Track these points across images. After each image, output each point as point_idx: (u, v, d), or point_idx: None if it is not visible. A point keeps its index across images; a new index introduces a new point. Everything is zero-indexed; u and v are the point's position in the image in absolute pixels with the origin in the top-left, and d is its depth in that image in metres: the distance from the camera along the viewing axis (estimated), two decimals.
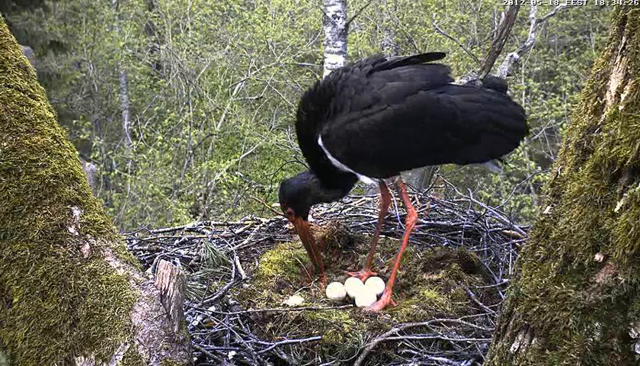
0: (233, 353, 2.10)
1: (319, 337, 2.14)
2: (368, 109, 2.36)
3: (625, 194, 1.22)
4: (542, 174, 8.69)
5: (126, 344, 1.63)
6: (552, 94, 10.59)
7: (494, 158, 2.60)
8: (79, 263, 1.71)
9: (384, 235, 3.09)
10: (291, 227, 3.09)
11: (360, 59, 2.71)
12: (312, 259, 2.73)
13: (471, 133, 2.43)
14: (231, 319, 2.28)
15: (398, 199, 3.27)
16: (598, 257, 1.25)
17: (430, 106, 2.37)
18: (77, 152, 1.91)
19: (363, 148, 2.39)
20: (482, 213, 3.23)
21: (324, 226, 2.99)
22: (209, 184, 10.54)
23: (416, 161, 2.57)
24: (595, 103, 1.33)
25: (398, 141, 2.38)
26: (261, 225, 3.21)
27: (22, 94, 1.79)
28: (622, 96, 1.25)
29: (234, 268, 2.75)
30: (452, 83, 2.50)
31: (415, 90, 2.37)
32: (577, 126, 1.38)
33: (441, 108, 2.37)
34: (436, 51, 2.83)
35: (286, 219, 2.73)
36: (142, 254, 2.93)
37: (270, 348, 2.12)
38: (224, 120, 11.79)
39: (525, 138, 2.67)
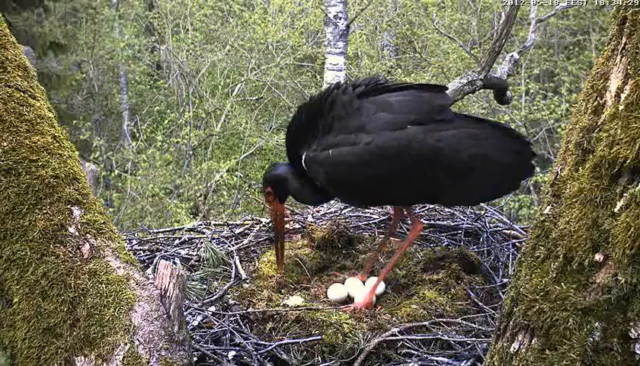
0: (233, 353, 2.10)
1: (319, 337, 2.14)
2: (354, 136, 2.31)
3: (625, 194, 1.22)
4: (542, 175, 8.69)
5: (126, 344, 1.63)
6: (552, 94, 10.59)
7: (489, 200, 2.48)
8: (79, 263, 1.71)
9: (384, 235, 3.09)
10: (290, 226, 3.09)
11: (357, 79, 2.66)
12: (276, 244, 2.68)
13: (458, 173, 2.33)
14: (231, 319, 2.28)
15: None
16: (598, 257, 1.25)
17: (415, 144, 2.27)
18: (77, 152, 1.91)
19: (343, 178, 2.34)
20: (482, 213, 3.23)
21: (324, 226, 2.99)
22: (209, 184, 10.53)
23: (396, 198, 2.49)
24: (595, 103, 1.33)
25: (379, 177, 2.32)
26: (261, 225, 3.21)
27: (22, 94, 1.79)
28: (622, 96, 1.25)
29: (234, 268, 2.75)
30: (449, 115, 2.38)
31: (403, 125, 2.29)
32: (577, 126, 1.38)
33: (426, 147, 2.27)
34: (438, 84, 2.73)
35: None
36: (142, 254, 2.93)
37: (270, 348, 2.12)
38: (224, 121, 11.79)
39: (530, 176, 2.54)
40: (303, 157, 2.42)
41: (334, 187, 2.44)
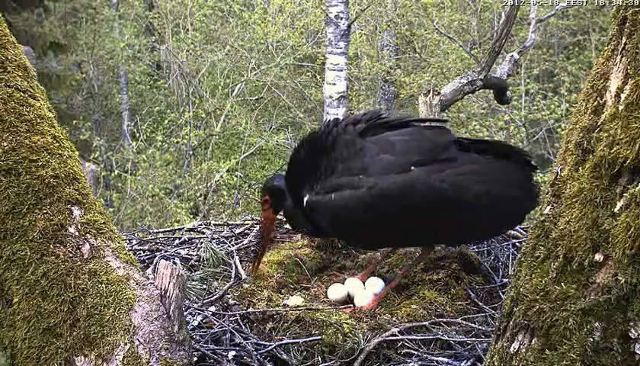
0: (233, 353, 2.10)
1: (319, 337, 2.14)
2: (357, 179, 2.28)
3: (625, 194, 1.22)
4: (541, 175, 8.69)
5: (126, 344, 1.63)
6: (552, 94, 10.59)
7: (495, 236, 2.40)
8: (79, 263, 1.71)
9: None
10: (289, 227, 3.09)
11: (358, 114, 2.63)
12: (257, 249, 2.66)
13: (463, 213, 2.31)
14: (231, 319, 2.28)
15: None
16: (598, 257, 1.25)
17: (419, 187, 2.24)
18: (77, 152, 1.91)
19: (346, 222, 2.32)
20: None
21: None
22: (209, 184, 10.54)
23: (401, 241, 2.47)
24: (595, 103, 1.33)
25: (383, 221, 2.30)
26: None
27: (22, 94, 1.79)
28: (622, 96, 1.25)
29: (234, 268, 2.75)
30: (452, 153, 2.35)
31: (407, 166, 2.26)
32: (577, 126, 1.38)
33: (430, 189, 2.24)
34: (440, 119, 2.69)
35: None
36: (142, 254, 2.93)
37: (270, 348, 2.12)
38: (224, 121, 11.79)
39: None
40: (305, 200, 2.40)
41: (338, 231, 2.44)
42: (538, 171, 2.49)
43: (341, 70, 6.80)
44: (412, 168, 2.26)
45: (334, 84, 6.85)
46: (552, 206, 1.40)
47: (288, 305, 2.40)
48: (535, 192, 2.39)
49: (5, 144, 1.72)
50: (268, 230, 2.66)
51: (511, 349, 1.41)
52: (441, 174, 2.26)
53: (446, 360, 2.09)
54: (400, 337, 2.16)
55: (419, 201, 2.25)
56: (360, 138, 2.36)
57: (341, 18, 6.63)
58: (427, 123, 2.62)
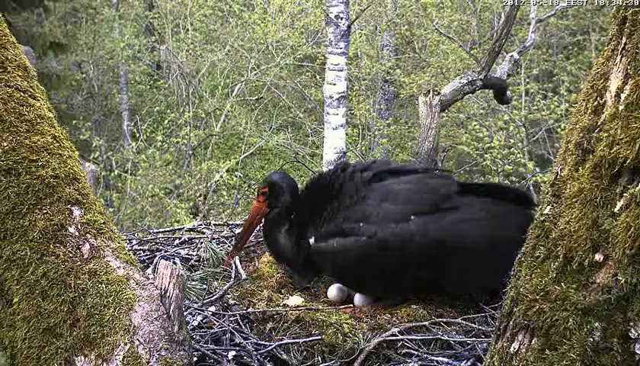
0: (233, 353, 2.10)
1: (319, 337, 2.14)
2: (358, 226, 2.33)
3: (625, 194, 1.22)
4: (541, 175, 8.69)
5: (126, 344, 1.63)
6: (551, 94, 10.59)
7: (497, 282, 2.39)
8: (79, 263, 1.71)
9: None
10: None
11: (367, 161, 2.67)
12: (239, 239, 2.67)
13: (464, 260, 2.34)
14: (231, 319, 2.28)
15: None
16: (598, 257, 1.25)
17: (418, 238, 2.29)
18: (77, 152, 1.91)
19: (346, 269, 2.37)
20: None
21: None
22: (208, 184, 10.53)
23: (401, 289, 2.46)
24: (595, 103, 1.33)
25: (382, 269, 2.34)
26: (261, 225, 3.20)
27: (22, 94, 1.79)
28: (622, 96, 1.25)
29: (234, 268, 2.75)
30: (454, 202, 2.38)
31: (407, 216, 2.31)
32: (577, 126, 1.38)
33: (429, 239, 2.29)
34: (445, 169, 2.75)
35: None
36: (142, 254, 2.93)
37: (270, 348, 2.12)
38: (224, 121, 11.80)
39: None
40: (310, 243, 2.45)
41: (339, 277, 2.48)
42: (536, 205, 2.54)
43: (341, 70, 6.80)
44: (412, 217, 2.31)
45: (334, 84, 6.84)
46: (552, 206, 1.40)
47: (288, 305, 2.40)
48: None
49: (5, 144, 1.72)
50: (255, 222, 2.65)
51: (511, 349, 1.41)
52: (440, 224, 2.31)
53: (446, 360, 2.09)
54: (400, 337, 2.16)
55: (418, 251, 2.30)
56: (365, 186, 2.41)
57: (341, 18, 6.62)
58: (432, 172, 2.67)
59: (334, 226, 2.39)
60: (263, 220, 2.66)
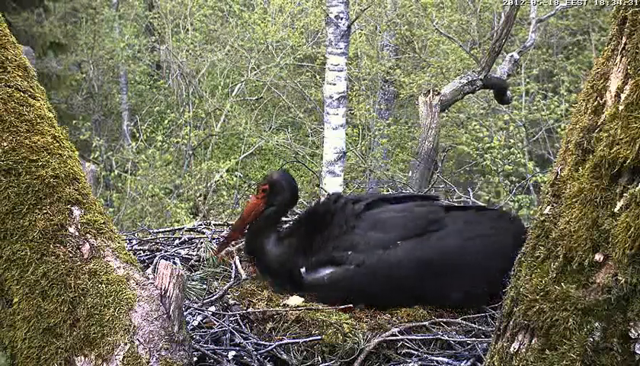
0: (233, 353, 2.10)
1: (319, 337, 2.14)
2: (346, 254, 2.40)
3: (625, 194, 1.22)
4: (541, 175, 8.70)
5: (126, 344, 1.63)
6: (551, 94, 10.59)
7: (498, 282, 2.42)
8: (79, 263, 1.71)
9: None
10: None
11: (361, 194, 2.74)
12: (234, 228, 2.67)
13: (456, 271, 2.40)
14: (231, 319, 2.28)
15: None
16: (598, 257, 1.25)
17: (406, 262, 2.36)
18: (77, 152, 1.91)
19: (336, 298, 2.40)
20: None
21: None
22: (208, 184, 10.54)
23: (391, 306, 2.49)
24: (595, 103, 1.33)
25: (371, 294, 2.39)
26: None
27: (22, 94, 1.78)
28: (622, 96, 1.26)
29: (234, 268, 2.75)
30: (442, 224, 2.45)
31: (395, 242, 2.38)
32: (577, 126, 1.38)
33: (417, 261, 2.37)
34: (432, 196, 2.84)
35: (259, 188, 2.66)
36: (142, 254, 2.93)
37: (270, 348, 2.12)
38: (224, 121, 11.80)
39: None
40: (301, 271, 2.49)
41: (331, 304, 2.49)
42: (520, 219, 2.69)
43: (341, 70, 6.80)
44: (399, 243, 2.39)
45: (334, 84, 6.84)
46: (552, 206, 1.40)
47: (288, 305, 2.40)
48: (521, 233, 2.47)
49: (5, 144, 1.72)
50: (249, 219, 2.64)
51: (511, 349, 1.41)
52: (427, 244, 2.40)
53: (446, 360, 2.09)
54: (400, 337, 2.16)
55: (406, 274, 2.37)
56: (355, 217, 2.49)
57: (341, 19, 6.61)
58: (420, 200, 2.74)
59: (324, 255, 2.46)
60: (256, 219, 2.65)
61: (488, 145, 9.78)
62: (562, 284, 1.30)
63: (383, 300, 2.40)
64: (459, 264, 2.42)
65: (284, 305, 2.41)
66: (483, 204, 2.84)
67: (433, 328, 2.25)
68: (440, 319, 2.31)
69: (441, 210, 2.56)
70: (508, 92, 5.62)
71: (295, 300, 2.46)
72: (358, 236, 2.43)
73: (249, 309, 2.33)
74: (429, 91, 4.80)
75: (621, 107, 1.25)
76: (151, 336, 1.65)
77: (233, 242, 2.78)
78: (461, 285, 2.42)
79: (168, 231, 3.32)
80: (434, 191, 4.31)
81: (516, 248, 2.46)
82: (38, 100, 1.83)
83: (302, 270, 2.50)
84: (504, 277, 2.56)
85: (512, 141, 10.08)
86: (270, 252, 2.56)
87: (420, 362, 2.09)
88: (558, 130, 10.03)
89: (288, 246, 2.56)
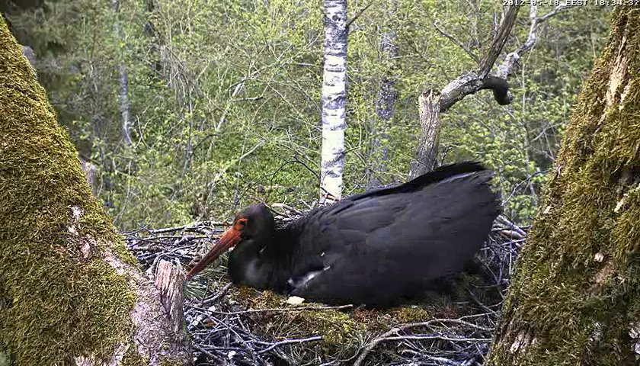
0: (233, 353, 2.10)
1: (319, 337, 2.14)
2: (319, 258, 2.47)
3: (625, 194, 1.22)
4: (542, 175, 8.70)
5: (126, 344, 1.63)
6: (552, 94, 10.59)
7: (475, 249, 2.54)
8: (79, 263, 1.71)
9: None
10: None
11: (337, 203, 2.87)
12: (203, 259, 2.66)
13: (433, 245, 2.42)
14: (231, 319, 2.28)
15: None
16: (598, 257, 1.25)
17: (375, 252, 2.40)
18: (77, 152, 1.90)
19: (318, 294, 2.44)
20: None
21: None
22: (208, 184, 10.54)
23: (378, 301, 2.49)
24: (595, 103, 1.33)
25: (347, 289, 2.41)
26: None
27: (22, 94, 1.79)
28: (622, 96, 1.26)
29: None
30: (407, 207, 2.48)
31: (362, 237, 2.42)
32: (577, 126, 1.38)
33: (388, 249, 2.39)
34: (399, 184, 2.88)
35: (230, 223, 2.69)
36: (142, 254, 2.93)
37: (270, 348, 2.12)
38: (224, 121, 11.80)
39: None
40: (289, 283, 2.53)
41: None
42: (491, 173, 2.65)
43: (340, 71, 6.79)
44: (366, 235, 2.43)
45: (333, 85, 6.84)
46: (552, 206, 1.40)
47: (288, 305, 2.40)
48: (490, 194, 2.53)
49: (5, 144, 1.72)
50: (224, 248, 2.66)
51: (511, 349, 1.41)
52: (395, 231, 2.42)
53: (446, 360, 2.09)
54: (400, 337, 2.16)
55: (382, 263, 2.40)
56: (328, 221, 2.54)
57: (339, 19, 6.61)
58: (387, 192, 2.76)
59: (303, 262, 2.51)
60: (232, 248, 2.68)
61: (489, 145, 9.79)
62: (562, 284, 1.30)
63: (365, 291, 2.41)
64: (431, 237, 2.42)
65: (284, 305, 2.41)
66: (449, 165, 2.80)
67: (433, 328, 2.25)
68: (440, 319, 2.30)
69: (405, 196, 2.56)
70: (508, 92, 5.62)
71: (295, 300, 2.46)
72: (329, 236, 2.48)
73: (249, 309, 2.33)
74: (429, 91, 4.79)
75: (621, 107, 1.25)
76: (151, 336, 1.65)
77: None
78: (434, 270, 2.43)
79: (167, 231, 3.31)
80: None
81: (488, 225, 2.54)
82: (38, 100, 1.83)
83: (290, 281, 2.53)
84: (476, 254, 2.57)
85: (513, 141, 10.08)
86: (251, 279, 2.58)
87: (420, 362, 2.09)
88: (559, 130, 10.02)
89: (268, 269, 2.58)
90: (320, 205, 3.39)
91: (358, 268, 2.40)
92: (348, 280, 2.40)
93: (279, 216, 3.28)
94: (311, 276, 2.48)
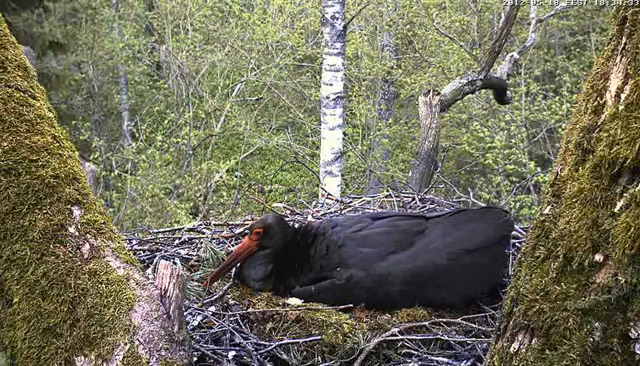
0: (233, 353, 2.10)
1: (319, 337, 2.14)
2: (335, 272, 2.44)
3: (625, 194, 1.22)
4: (542, 175, 8.71)
5: (126, 344, 1.63)
6: (552, 94, 10.59)
7: (491, 283, 2.51)
8: (79, 263, 1.71)
9: None
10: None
11: (340, 218, 2.88)
12: (220, 269, 2.63)
13: (445, 276, 2.43)
14: (231, 319, 2.28)
15: None
16: (598, 257, 1.25)
17: (394, 273, 2.40)
18: (77, 152, 1.91)
19: (323, 298, 2.42)
20: None
21: None
22: (208, 184, 10.54)
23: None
24: (595, 103, 1.33)
25: (356, 302, 2.41)
26: None
27: (22, 94, 1.79)
28: (622, 96, 1.26)
29: (234, 268, 2.74)
30: (426, 233, 2.50)
31: (383, 257, 2.43)
32: (577, 126, 1.38)
33: (405, 271, 2.40)
34: (419, 215, 2.87)
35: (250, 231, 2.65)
36: (142, 254, 2.93)
37: (270, 348, 2.12)
38: (224, 121, 11.80)
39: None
40: (295, 292, 2.52)
41: None
42: (510, 216, 2.67)
43: (338, 71, 6.80)
44: (387, 257, 2.43)
45: (331, 84, 6.84)
46: (552, 206, 1.40)
47: (288, 305, 2.40)
48: (507, 237, 2.58)
49: (5, 144, 1.72)
50: (240, 259, 2.63)
51: (511, 349, 1.41)
52: (413, 255, 2.43)
53: (446, 360, 2.09)
54: (400, 337, 2.16)
55: (396, 284, 2.40)
56: (343, 237, 2.53)
57: (337, 19, 6.61)
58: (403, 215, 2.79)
59: (313, 274, 2.50)
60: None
61: (489, 145, 9.79)
62: (562, 284, 1.30)
63: (374, 306, 2.41)
64: (446, 267, 2.43)
65: (284, 305, 2.41)
66: (481, 205, 2.82)
67: (433, 328, 2.25)
68: (440, 319, 2.30)
69: (424, 222, 2.59)
70: (508, 92, 5.62)
71: (295, 300, 2.46)
72: (346, 253, 2.47)
73: (249, 309, 2.33)
74: (429, 91, 4.80)
75: (621, 107, 1.25)
76: (151, 336, 1.65)
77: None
78: (446, 298, 2.44)
79: (167, 231, 3.31)
80: (434, 190, 4.31)
81: (503, 262, 2.56)
82: (38, 100, 1.83)
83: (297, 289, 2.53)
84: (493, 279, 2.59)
85: (513, 141, 10.09)
86: (256, 287, 2.57)
87: (420, 362, 2.09)
88: (559, 130, 10.03)
89: (275, 275, 2.57)
90: (334, 215, 3.36)
91: (371, 287, 2.40)
92: (358, 295, 2.39)
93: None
94: (319, 284, 2.47)
